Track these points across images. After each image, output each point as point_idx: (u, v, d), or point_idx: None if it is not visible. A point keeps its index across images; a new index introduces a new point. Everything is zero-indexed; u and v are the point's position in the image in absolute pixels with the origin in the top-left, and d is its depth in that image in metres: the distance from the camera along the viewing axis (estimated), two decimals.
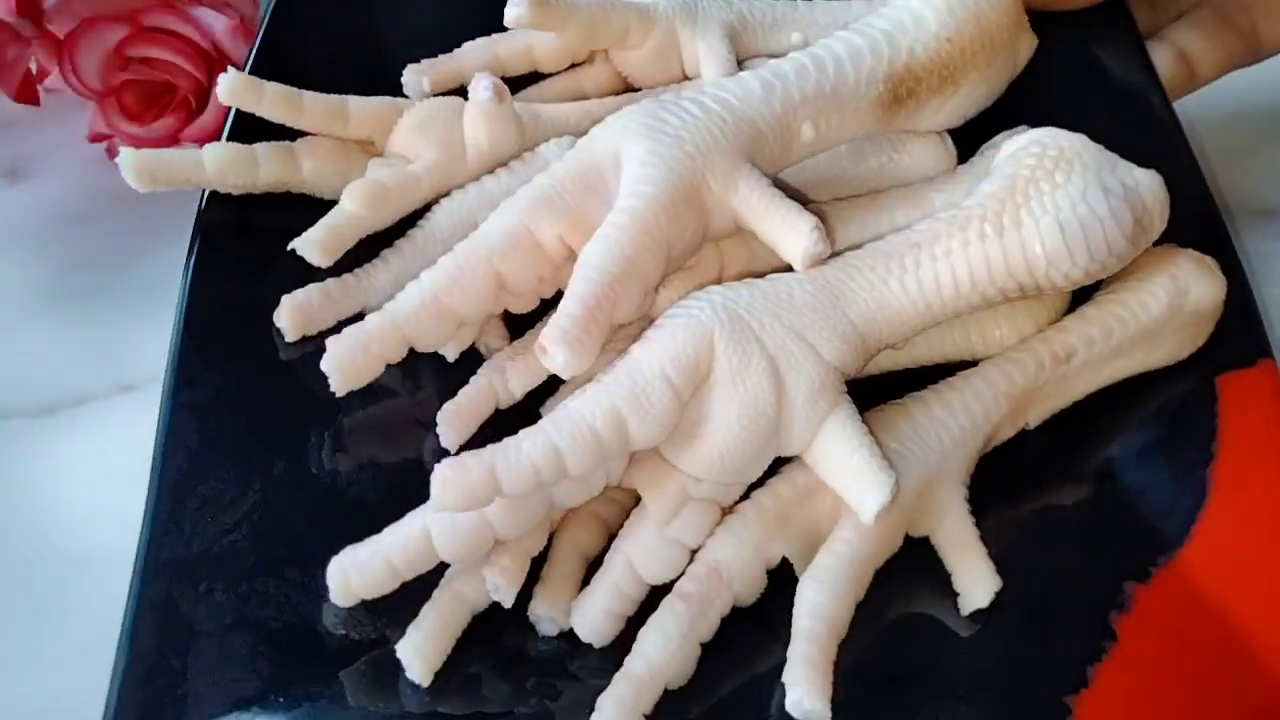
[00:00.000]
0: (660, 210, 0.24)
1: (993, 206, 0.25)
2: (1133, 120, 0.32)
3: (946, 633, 0.24)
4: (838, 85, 0.27)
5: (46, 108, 0.37)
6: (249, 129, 0.28)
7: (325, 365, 0.23)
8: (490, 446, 0.21)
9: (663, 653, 0.22)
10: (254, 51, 0.30)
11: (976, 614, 0.24)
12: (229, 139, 0.28)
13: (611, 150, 0.25)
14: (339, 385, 0.23)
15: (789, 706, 0.21)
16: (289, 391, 0.26)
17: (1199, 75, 0.34)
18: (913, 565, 0.25)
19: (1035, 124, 0.28)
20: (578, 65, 0.31)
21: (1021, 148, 0.26)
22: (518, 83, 0.31)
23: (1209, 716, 0.24)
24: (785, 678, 0.22)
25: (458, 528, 0.22)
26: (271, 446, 0.25)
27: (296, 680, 0.22)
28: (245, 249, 0.27)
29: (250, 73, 0.29)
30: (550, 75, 0.31)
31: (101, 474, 0.23)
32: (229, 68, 0.26)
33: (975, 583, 0.24)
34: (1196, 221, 0.30)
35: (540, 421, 0.21)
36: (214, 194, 0.27)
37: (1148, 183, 0.25)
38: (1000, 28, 0.28)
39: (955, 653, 0.24)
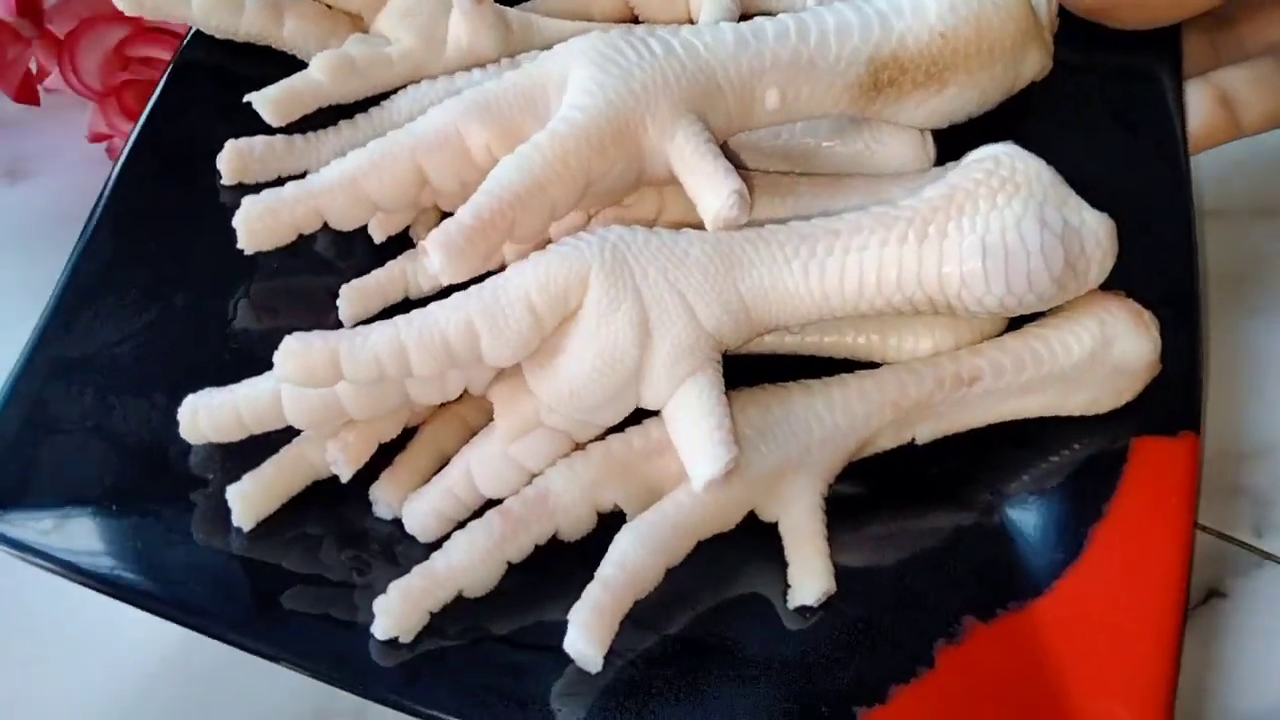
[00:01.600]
0: (583, 140, 0.24)
1: (923, 212, 0.24)
2: (1141, 159, 0.31)
3: (770, 617, 0.25)
4: (815, 57, 0.26)
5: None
6: None
7: (236, 220, 0.24)
8: (341, 330, 0.22)
9: (465, 558, 0.22)
10: None
11: (805, 608, 0.25)
12: None
13: (561, 71, 0.25)
14: (246, 243, 0.24)
15: (566, 644, 0.22)
16: (216, 234, 0.26)
17: (1243, 122, 0.32)
18: (767, 546, 0.25)
19: (1036, 141, 0.27)
20: None
21: (977, 159, 0.25)
22: None
23: None
24: (570, 616, 0.22)
25: (308, 398, 0.23)
26: (180, 279, 0.26)
27: (135, 496, 0.24)
28: (216, 92, 0.28)
29: None
30: None
31: None
32: None
33: (807, 580, 0.24)
34: (1172, 279, 0.29)
35: (396, 317, 0.22)
36: (198, 33, 0.28)
37: (1094, 226, 0.24)
38: (1003, 35, 0.27)
39: (769, 637, 0.24)
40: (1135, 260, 0.27)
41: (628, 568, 0.23)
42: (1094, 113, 0.31)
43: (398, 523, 0.24)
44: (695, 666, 0.24)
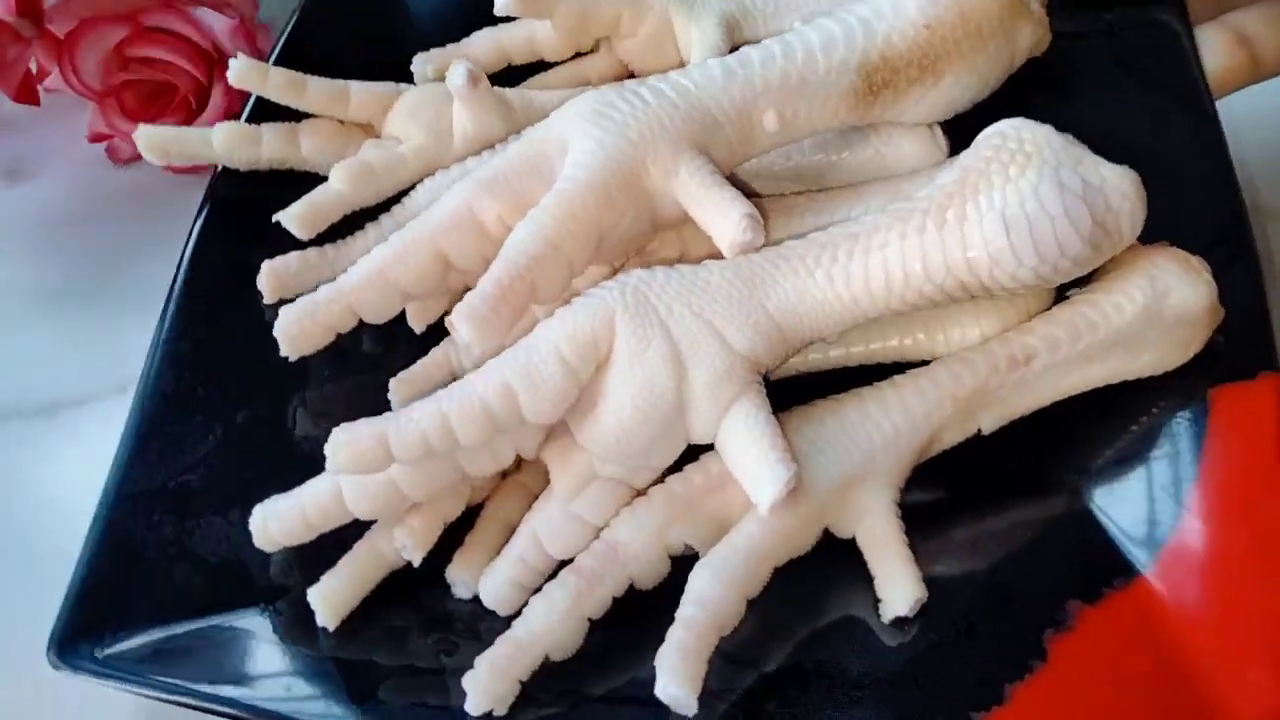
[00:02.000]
0: (589, 196, 0.24)
1: (938, 199, 0.24)
2: (1165, 107, 0.30)
3: (868, 635, 0.24)
4: (805, 74, 0.26)
5: (46, 108, 0.37)
6: (269, 112, 0.30)
7: (276, 330, 0.25)
8: (385, 414, 0.22)
9: (545, 622, 0.22)
10: (282, 39, 0.32)
11: (901, 619, 0.24)
12: (248, 119, 0.30)
13: (560, 133, 0.25)
14: (288, 349, 0.25)
15: (657, 690, 0.22)
16: (266, 352, 0.27)
17: (1262, 62, 0.31)
18: (854, 564, 0.25)
19: (1057, 112, 0.27)
20: (582, 55, 0.32)
21: (984, 137, 0.25)
22: (526, 71, 0.32)
23: None
24: (657, 662, 0.22)
25: (366, 486, 0.23)
26: (239, 397, 0.27)
27: (225, 613, 0.24)
28: (249, 218, 0.29)
29: (277, 61, 0.31)
30: (556, 64, 0.32)
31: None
32: (238, 54, 0.29)
33: (896, 589, 0.24)
34: (1219, 220, 0.28)
35: (436, 391, 0.22)
36: (225, 168, 0.30)
37: (1115, 181, 0.24)
38: (988, 15, 0.27)
39: (869, 656, 0.24)
40: (1180, 209, 0.27)
41: (707, 605, 0.22)
42: (1110, 71, 0.31)
43: (478, 600, 0.24)
44: (800, 697, 0.23)
